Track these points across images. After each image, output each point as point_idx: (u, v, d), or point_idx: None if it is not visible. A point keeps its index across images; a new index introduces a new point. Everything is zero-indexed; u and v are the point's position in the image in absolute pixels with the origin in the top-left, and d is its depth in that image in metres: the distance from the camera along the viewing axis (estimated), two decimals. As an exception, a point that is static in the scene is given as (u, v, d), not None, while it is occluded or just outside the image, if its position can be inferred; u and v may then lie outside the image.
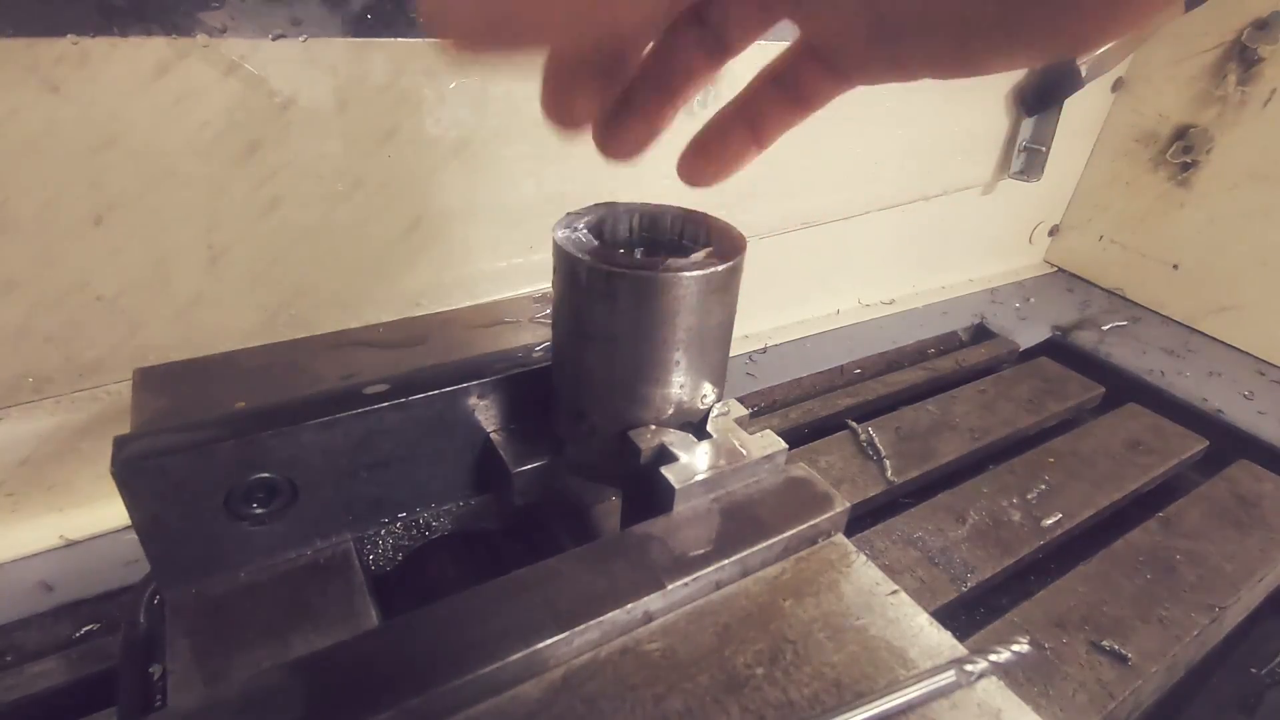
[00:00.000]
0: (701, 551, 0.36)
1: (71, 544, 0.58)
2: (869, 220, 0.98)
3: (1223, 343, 1.08)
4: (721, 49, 0.29)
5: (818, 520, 0.39)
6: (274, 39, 0.51)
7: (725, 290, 0.38)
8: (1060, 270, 1.29)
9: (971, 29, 0.22)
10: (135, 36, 0.47)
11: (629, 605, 0.34)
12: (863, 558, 0.40)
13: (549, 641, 0.32)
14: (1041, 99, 1.03)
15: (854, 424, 0.79)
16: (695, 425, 0.41)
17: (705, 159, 0.33)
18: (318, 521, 0.41)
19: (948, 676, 0.33)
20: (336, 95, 0.55)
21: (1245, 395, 0.96)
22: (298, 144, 0.55)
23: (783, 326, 1.00)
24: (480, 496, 0.48)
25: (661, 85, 0.29)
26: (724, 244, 0.39)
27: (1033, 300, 1.18)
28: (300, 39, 0.52)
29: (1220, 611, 0.60)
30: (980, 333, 1.08)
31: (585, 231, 0.38)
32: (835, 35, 0.27)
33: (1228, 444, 0.86)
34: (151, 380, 0.44)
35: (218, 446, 0.36)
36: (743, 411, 0.42)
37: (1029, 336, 1.07)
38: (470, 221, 0.67)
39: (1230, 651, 0.65)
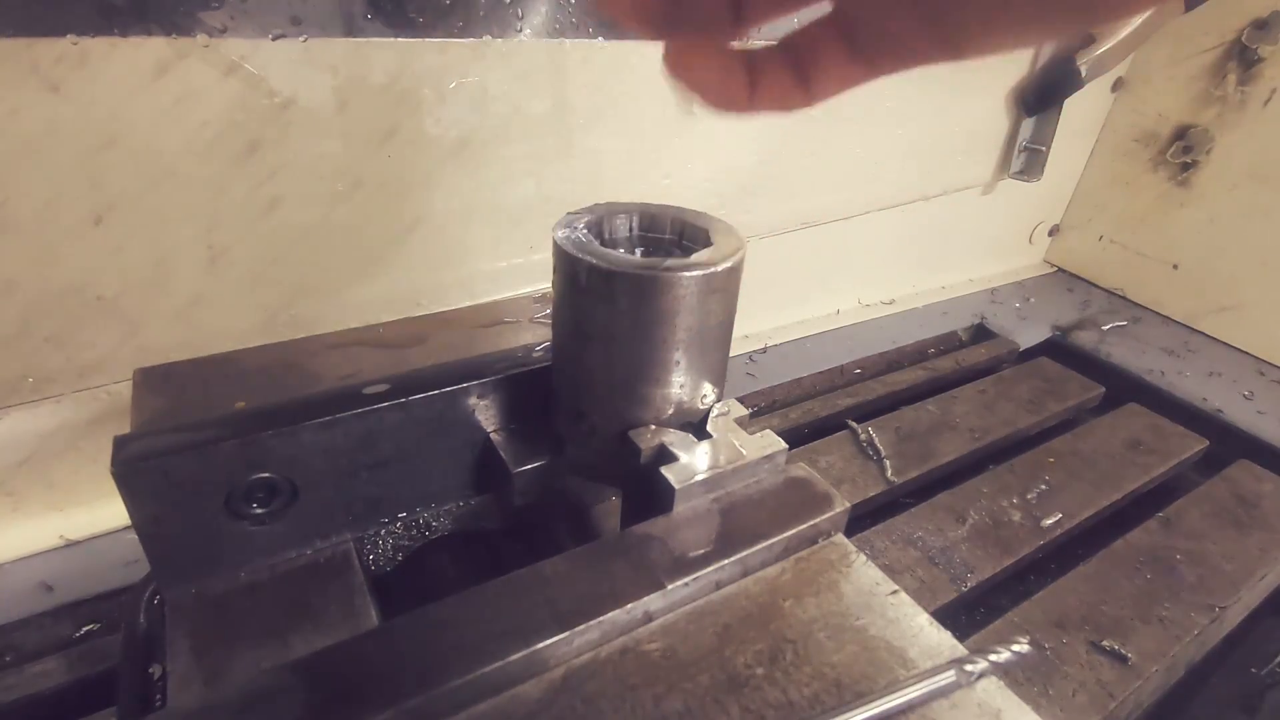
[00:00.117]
0: (701, 551, 0.36)
1: (71, 544, 0.58)
2: (869, 220, 0.98)
3: (1223, 343, 1.08)
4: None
5: (818, 520, 0.39)
6: (274, 39, 0.51)
7: (725, 290, 0.38)
8: (1060, 270, 1.29)
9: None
10: (135, 36, 0.47)
11: (629, 605, 0.34)
12: (863, 558, 0.40)
13: (549, 641, 0.32)
14: (1041, 99, 1.03)
15: (854, 424, 0.79)
16: (695, 425, 0.41)
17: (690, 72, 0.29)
18: (318, 521, 0.41)
19: (948, 676, 0.33)
20: (336, 95, 0.55)
21: (1245, 395, 0.96)
22: (298, 144, 0.55)
23: (783, 326, 1.00)
24: (480, 496, 0.48)
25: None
26: (724, 244, 0.39)
27: (1033, 300, 1.18)
28: (300, 39, 0.52)
29: (1220, 611, 0.60)
30: (980, 333, 1.08)
31: (585, 231, 0.38)
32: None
33: (1228, 444, 0.86)
34: (151, 380, 0.44)
35: (218, 446, 0.36)
36: (743, 411, 0.42)
37: (1029, 336, 1.07)
38: (470, 221, 0.67)
39: (1230, 651, 0.65)
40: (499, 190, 0.67)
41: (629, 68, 0.68)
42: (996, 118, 1.05)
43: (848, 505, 0.41)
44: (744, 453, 0.40)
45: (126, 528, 0.56)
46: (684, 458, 0.39)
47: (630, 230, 0.42)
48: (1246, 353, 1.06)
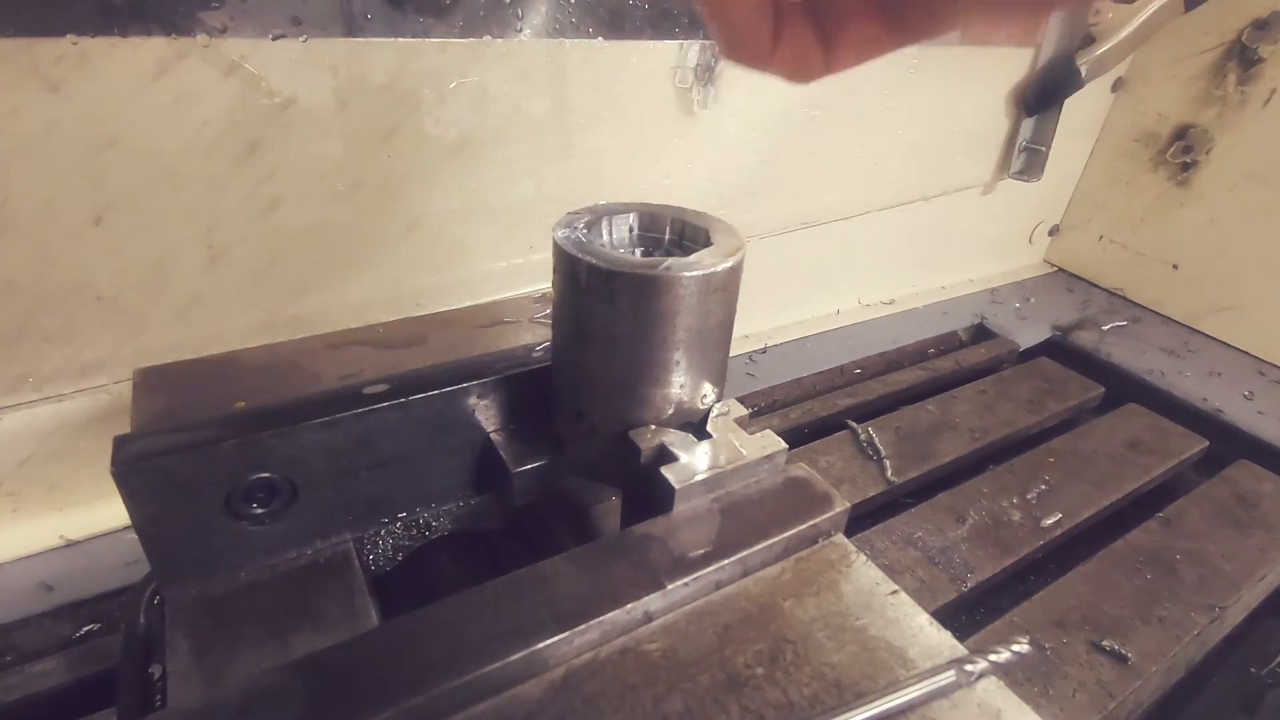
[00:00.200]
0: (701, 551, 0.36)
1: (72, 544, 0.58)
2: (869, 220, 0.98)
3: (1223, 343, 1.08)
4: None
5: (818, 520, 0.39)
6: (274, 39, 0.51)
7: (725, 290, 0.38)
8: (1060, 270, 1.29)
9: None
10: (135, 36, 0.47)
11: (629, 605, 0.34)
12: (863, 558, 0.40)
13: (549, 641, 0.32)
14: (1041, 99, 1.03)
15: (854, 424, 0.79)
16: (695, 425, 0.41)
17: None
18: (318, 521, 0.41)
19: (948, 676, 0.33)
20: (336, 95, 0.55)
21: (1245, 395, 0.96)
22: (298, 144, 0.55)
23: (783, 326, 1.00)
24: (480, 496, 0.48)
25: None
26: (724, 244, 0.39)
27: (1033, 300, 1.18)
28: (300, 39, 0.52)
29: (1220, 611, 0.60)
30: (980, 333, 1.08)
31: (585, 231, 0.38)
32: None
33: (1228, 444, 0.86)
34: (151, 380, 0.44)
35: (218, 447, 0.36)
36: (743, 411, 0.42)
37: (1029, 336, 1.07)
38: (470, 221, 0.67)
39: (1230, 651, 0.65)
40: (499, 190, 0.67)
41: (629, 68, 0.68)
42: (996, 118, 1.05)
43: (848, 505, 0.41)
44: (744, 453, 0.40)
45: (126, 528, 0.56)
46: (684, 458, 0.39)
47: (631, 230, 0.42)
48: (1246, 353, 1.06)
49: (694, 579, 0.36)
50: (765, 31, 0.26)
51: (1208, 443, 0.83)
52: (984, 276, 1.22)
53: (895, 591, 0.38)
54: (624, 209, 0.42)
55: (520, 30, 0.61)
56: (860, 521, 0.67)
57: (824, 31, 0.26)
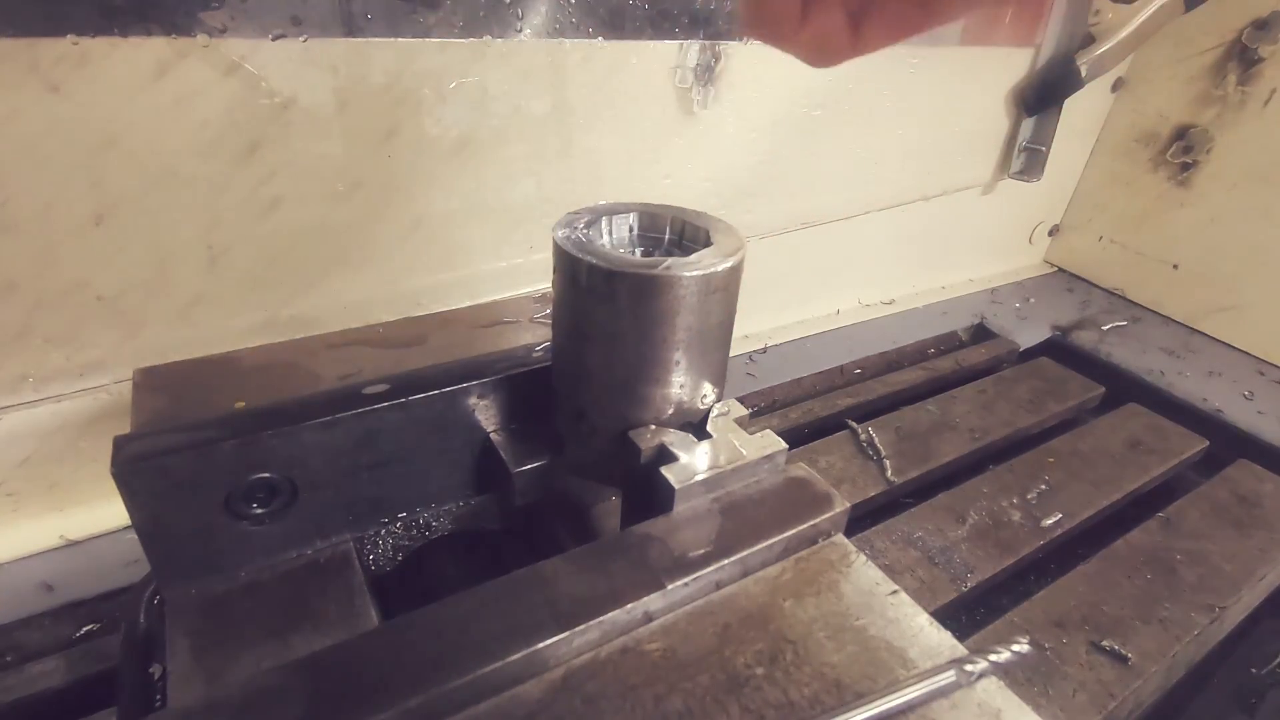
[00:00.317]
0: (701, 551, 0.36)
1: (72, 544, 0.58)
2: (869, 220, 0.98)
3: (1223, 343, 1.08)
4: None
5: (818, 520, 0.39)
6: (274, 39, 0.51)
7: (725, 290, 0.38)
8: (1060, 270, 1.29)
9: None
10: (135, 36, 0.47)
11: (629, 605, 0.34)
12: (863, 558, 0.40)
13: (549, 641, 0.32)
14: (1042, 99, 1.03)
15: (854, 424, 0.79)
16: (695, 425, 0.41)
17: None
18: (318, 521, 0.41)
19: (948, 676, 0.33)
20: (336, 95, 0.55)
21: (1245, 395, 0.96)
22: (298, 144, 0.55)
23: (783, 326, 1.00)
24: (480, 496, 0.48)
25: None
26: (724, 244, 0.39)
27: (1033, 300, 1.18)
28: (300, 39, 0.52)
29: (1220, 611, 0.60)
30: (980, 333, 1.08)
31: (585, 231, 0.38)
32: None
33: (1228, 444, 0.86)
34: (151, 380, 0.44)
35: (218, 446, 0.36)
36: (743, 411, 0.42)
37: (1029, 336, 1.07)
38: (470, 221, 0.67)
39: (1230, 651, 0.65)
40: (499, 190, 0.67)
41: (629, 68, 0.68)
42: (996, 118, 1.05)
43: (848, 505, 0.41)
44: (744, 453, 0.40)
45: (126, 528, 0.56)
46: (684, 458, 0.39)
47: (630, 230, 0.42)
48: (1246, 353, 1.06)
49: (694, 579, 0.36)
50: (794, 4, 0.25)
51: (1208, 443, 0.83)
52: (984, 276, 1.22)
53: (895, 591, 0.38)
54: (624, 209, 0.42)
55: (520, 30, 0.61)
56: (860, 521, 0.67)
57: (855, 8, 0.25)
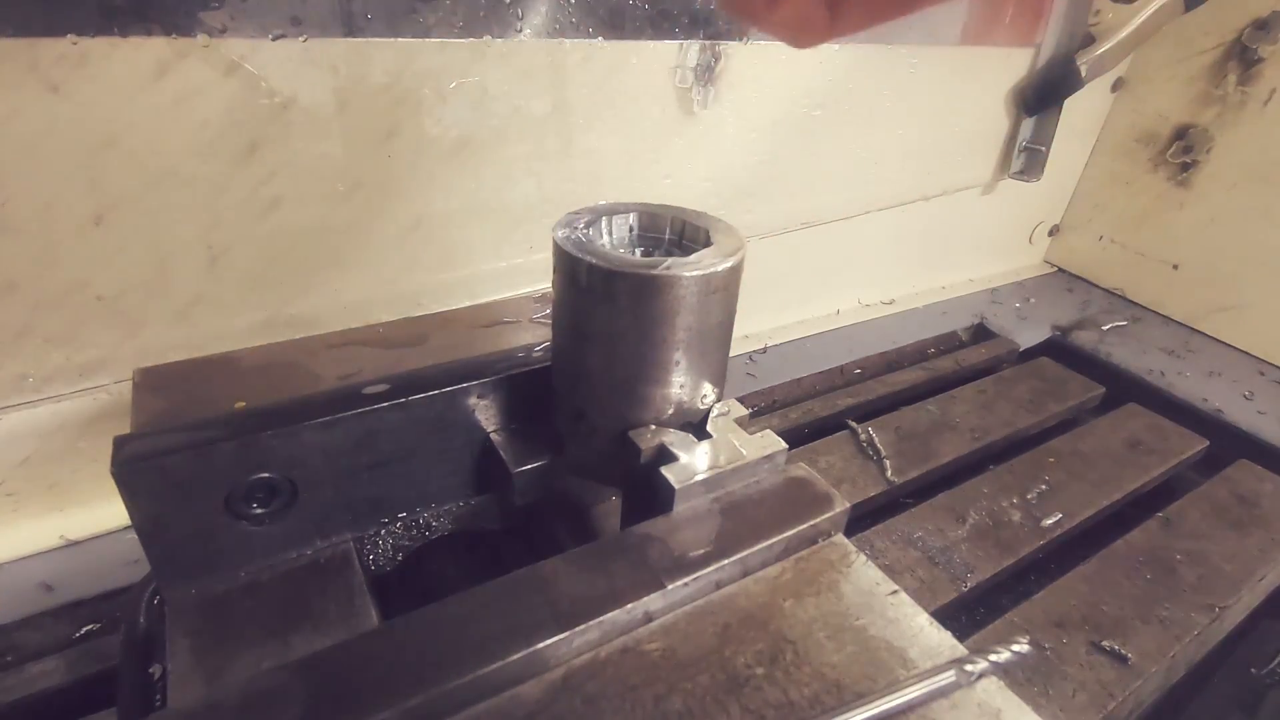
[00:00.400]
0: (701, 551, 0.36)
1: (72, 544, 0.58)
2: (869, 220, 0.98)
3: (1223, 343, 1.08)
4: None
5: (818, 520, 0.39)
6: (274, 39, 0.51)
7: (725, 290, 0.38)
8: (1060, 270, 1.29)
9: None
10: (135, 36, 0.47)
11: (629, 605, 0.34)
12: (863, 558, 0.40)
13: (549, 641, 0.32)
14: (1041, 99, 1.03)
15: (854, 424, 0.79)
16: (695, 425, 0.41)
17: None
18: (318, 521, 0.41)
19: (948, 676, 0.33)
20: (336, 95, 0.55)
21: (1245, 395, 0.96)
22: (298, 144, 0.55)
23: (783, 326, 1.00)
24: (480, 496, 0.48)
25: None
26: (724, 244, 0.39)
27: (1033, 300, 1.18)
28: (300, 39, 0.52)
29: (1220, 611, 0.60)
30: (980, 333, 1.08)
31: (585, 231, 0.38)
32: None
33: (1228, 444, 0.86)
34: (151, 380, 0.44)
35: (218, 447, 0.36)
36: (743, 411, 0.42)
37: (1029, 336, 1.07)
38: (470, 221, 0.67)
39: (1230, 651, 0.65)
40: (499, 190, 0.67)
41: (629, 68, 0.68)
42: (996, 118, 1.05)
43: (848, 505, 0.41)
44: (744, 453, 0.40)
45: (126, 528, 0.56)
46: (684, 458, 0.39)
47: (631, 230, 0.42)
48: (1246, 353, 1.06)
49: (694, 579, 0.36)
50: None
51: (1208, 443, 0.83)
52: (984, 276, 1.22)
53: (895, 591, 0.38)
54: (624, 209, 0.42)
55: (520, 30, 0.61)
56: (860, 521, 0.67)
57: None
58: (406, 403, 0.41)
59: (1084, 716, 0.51)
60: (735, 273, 0.38)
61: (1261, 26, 0.98)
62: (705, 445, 0.40)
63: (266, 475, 0.38)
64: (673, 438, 0.40)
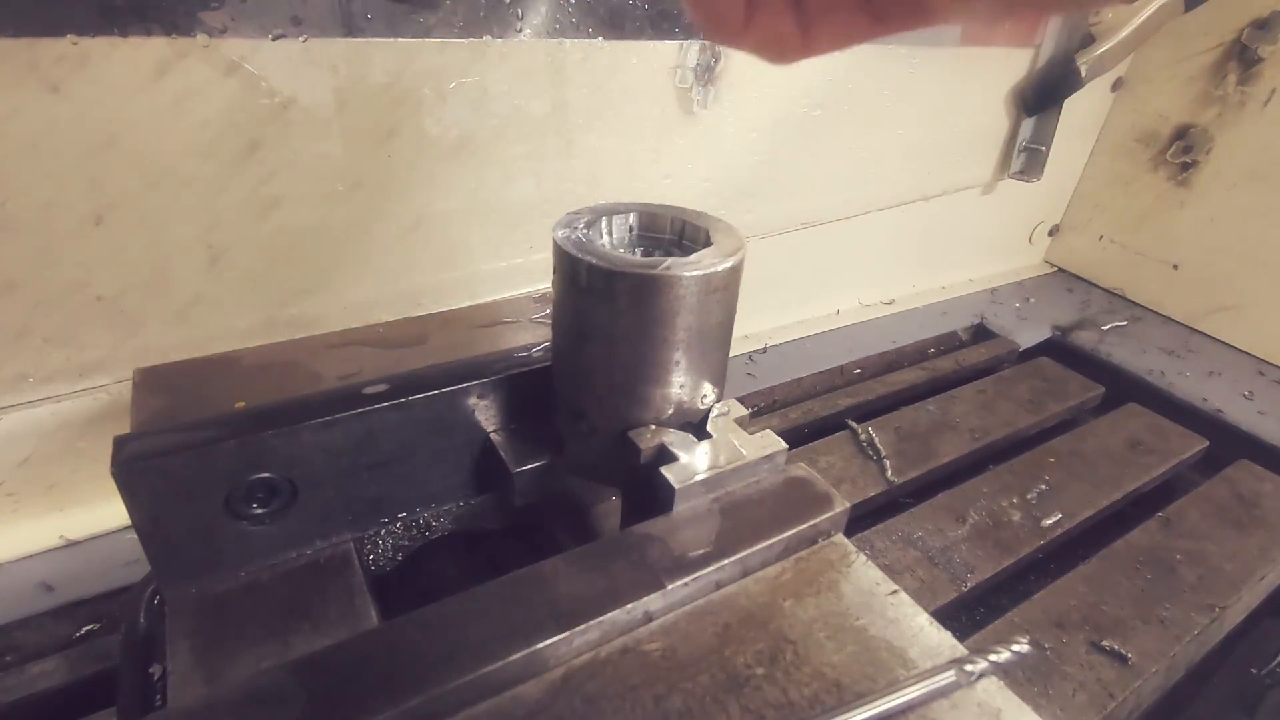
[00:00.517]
0: (701, 551, 0.36)
1: (72, 544, 0.58)
2: (869, 220, 0.98)
3: (1223, 343, 1.08)
4: None
5: (818, 520, 0.39)
6: (274, 39, 0.51)
7: (725, 290, 0.38)
8: (1060, 270, 1.29)
9: None
10: (135, 36, 0.47)
11: (629, 605, 0.34)
12: (863, 558, 0.40)
13: (549, 641, 0.32)
14: (1041, 99, 1.03)
15: (854, 424, 0.79)
16: (695, 425, 0.41)
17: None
18: (318, 521, 0.41)
19: (948, 676, 0.33)
20: (336, 95, 0.55)
21: (1245, 395, 0.96)
22: (298, 144, 0.55)
23: (783, 326, 1.00)
24: (480, 496, 0.48)
25: None
26: (724, 244, 0.39)
27: (1033, 300, 1.18)
28: (300, 39, 0.52)
29: (1220, 611, 0.60)
30: (980, 333, 1.08)
31: (585, 231, 0.38)
32: None
33: (1228, 444, 0.86)
34: (151, 380, 0.44)
35: (218, 447, 0.36)
36: (743, 411, 0.42)
37: (1029, 336, 1.07)
38: (470, 221, 0.67)
39: (1230, 651, 0.65)
40: (499, 190, 0.67)
41: (629, 68, 0.68)
42: (996, 118, 1.05)
43: (848, 505, 0.41)
44: (744, 453, 0.40)
45: (126, 528, 0.56)
46: (684, 458, 0.39)
47: (631, 230, 0.42)
48: (1246, 353, 1.06)
49: (694, 579, 0.36)
50: (737, 6, 0.25)
51: (1208, 443, 0.83)
52: (984, 276, 1.22)
53: (895, 591, 0.38)
54: (624, 209, 0.42)
55: (520, 30, 0.61)
56: (860, 521, 0.67)
57: (805, 11, 0.25)
58: (406, 403, 0.41)
59: (1084, 716, 0.51)
60: (735, 273, 0.38)
61: (1261, 26, 0.98)
62: (705, 445, 0.40)
63: (266, 475, 0.38)
64: (673, 438, 0.40)
